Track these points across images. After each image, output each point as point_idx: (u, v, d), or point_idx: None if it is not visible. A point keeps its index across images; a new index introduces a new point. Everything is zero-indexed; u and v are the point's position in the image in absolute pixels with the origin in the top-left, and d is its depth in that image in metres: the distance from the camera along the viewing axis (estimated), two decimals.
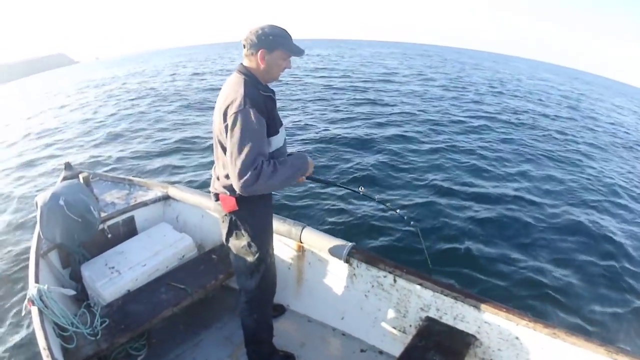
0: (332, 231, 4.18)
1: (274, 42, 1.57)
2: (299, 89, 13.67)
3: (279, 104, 1.84)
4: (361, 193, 2.05)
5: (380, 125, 8.89)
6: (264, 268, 1.86)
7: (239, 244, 1.81)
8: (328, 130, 8.19)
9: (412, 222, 2.15)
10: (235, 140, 1.49)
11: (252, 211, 1.76)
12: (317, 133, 7.96)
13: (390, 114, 9.99)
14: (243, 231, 1.78)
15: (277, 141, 1.67)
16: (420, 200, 5.16)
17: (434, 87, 15.82)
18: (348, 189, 2.17)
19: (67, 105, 13.94)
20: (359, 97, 12.16)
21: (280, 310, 2.50)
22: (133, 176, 3.30)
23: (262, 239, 1.82)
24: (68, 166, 2.92)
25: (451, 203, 5.12)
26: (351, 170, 6.05)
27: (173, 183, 3.20)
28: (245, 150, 1.48)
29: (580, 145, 9.02)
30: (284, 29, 1.60)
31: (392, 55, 36.06)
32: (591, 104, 18.01)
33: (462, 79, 19.87)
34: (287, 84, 14.52)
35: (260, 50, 1.57)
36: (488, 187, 5.85)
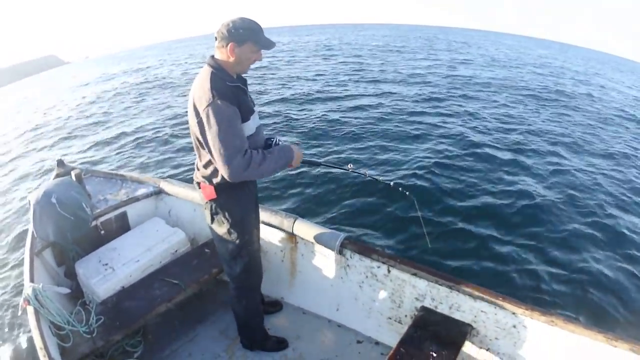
0: (325, 216, 4.19)
1: (244, 35, 1.59)
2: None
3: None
4: (350, 170, 2.04)
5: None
6: (246, 253, 1.90)
7: (220, 230, 1.86)
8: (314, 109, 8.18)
9: (407, 193, 2.04)
10: (215, 132, 1.54)
11: (231, 199, 1.81)
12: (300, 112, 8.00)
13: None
14: (223, 218, 1.82)
15: (248, 128, 1.70)
16: (415, 173, 5.17)
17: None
18: (336, 167, 2.14)
19: (57, 104, 13.87)
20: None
21: (278, 306, 2.48)
22: (125, 172, 3.28)
23: (242, 225, 1.86)
24: (60, 163, 2.89)
25: (449, 174, 5.13)
26: (341, 150, 6.06)
27: (165, 177, 3.18)
28: (227, 139, 1.54)
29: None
30: (254, 22, 1.62)
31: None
32: None
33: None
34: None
35: (230, 44, 1.59)
36: (489, 151, 5.87)
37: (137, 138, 7.63)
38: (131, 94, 13.20)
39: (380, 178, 2.05)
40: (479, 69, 16.08)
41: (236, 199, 1.82)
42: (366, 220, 4.18)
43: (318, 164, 2.19)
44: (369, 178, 2.07)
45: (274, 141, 1.85)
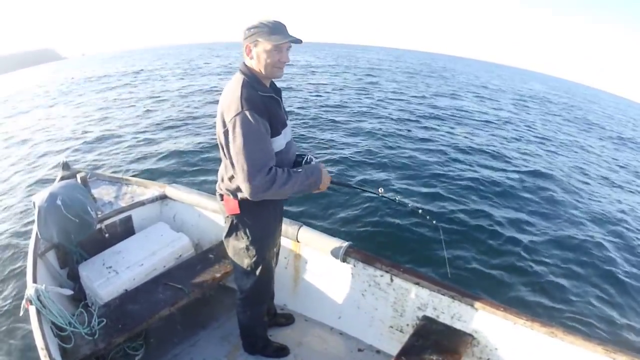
0: (340, 229, 4.19)
1: (255, 33, 1.50)
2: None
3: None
4: (380, 195, 1.92)
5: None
6: (260, 271, 1.86)
7: (237, 245, 1.80)
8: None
9: (434, 222, 1.97)
10: (239, 145, 1.46)
11: (255, 216, 1.74)
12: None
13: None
14: (243, 234, 1.77)
15: (278, 143, 1.60)
16: (446, 203, 5.14)
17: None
18: (366, 190, 2.07)
19: (61, 102, 13.79)
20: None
21: (290, 319, 2.44)
22: (130, 176, 3.30)
23: (261, 244, 1.81)
24: (65, 166, 2.91)
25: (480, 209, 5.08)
26: (370, 173, 6.05)
27: (170, 182, 3.20)
28: (252, 154, 1.46)
29: None
30: (270, 20, 1.51)
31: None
32: None
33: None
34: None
35: (246, 45, 1.53)
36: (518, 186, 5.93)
37: (140, 141, 7.55)
38: (130, 94, 13.16)
39: (410, 204, 1.99)
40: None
41: (260, 217, 1.75)
42: (386, 240, 4.14)
43: (348, 186, 2.13)
44: (399, 202, 2.00)
45: (305, 158, 1.73)
